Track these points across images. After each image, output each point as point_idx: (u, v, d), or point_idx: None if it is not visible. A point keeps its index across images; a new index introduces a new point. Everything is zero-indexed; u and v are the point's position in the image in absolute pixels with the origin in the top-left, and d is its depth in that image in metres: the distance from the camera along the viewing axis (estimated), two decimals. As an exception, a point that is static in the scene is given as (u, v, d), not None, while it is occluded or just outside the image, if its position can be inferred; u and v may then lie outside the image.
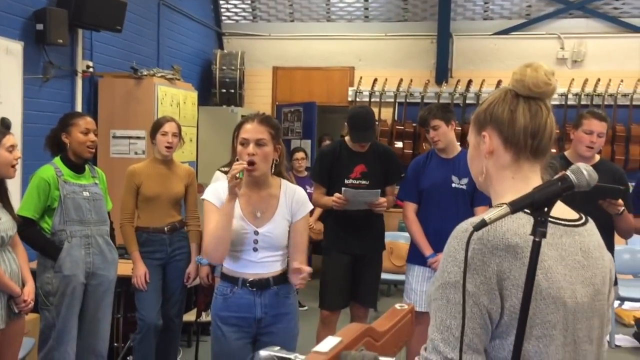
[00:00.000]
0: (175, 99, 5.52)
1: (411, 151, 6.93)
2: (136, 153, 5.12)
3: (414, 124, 6.90)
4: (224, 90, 7.11)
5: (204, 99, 6.98)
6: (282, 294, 2.52)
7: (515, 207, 1.18)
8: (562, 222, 1.30)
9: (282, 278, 2.52)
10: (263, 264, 2.45)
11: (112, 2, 4.85)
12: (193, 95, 5.93)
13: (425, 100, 6.98)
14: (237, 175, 2.26)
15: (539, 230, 1.16)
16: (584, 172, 1.18)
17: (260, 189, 2.49)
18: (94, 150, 3.37)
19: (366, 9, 7.52)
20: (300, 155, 6.10)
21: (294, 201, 2.51)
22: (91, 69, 5.03)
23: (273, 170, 2.53)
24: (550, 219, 1.23)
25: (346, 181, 3.69)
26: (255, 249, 2.46)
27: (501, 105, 1.31)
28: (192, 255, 3.72)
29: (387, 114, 7.25)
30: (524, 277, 1.17)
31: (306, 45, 7.67)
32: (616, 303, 5.45)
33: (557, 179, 1.18)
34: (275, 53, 7.76)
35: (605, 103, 6.69)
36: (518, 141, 1.30)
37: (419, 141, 6.96)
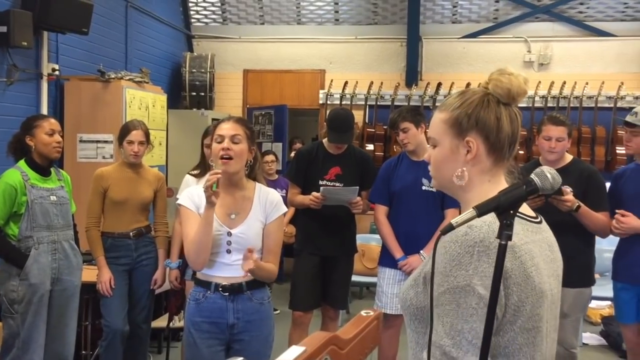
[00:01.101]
0: (144, 102, 5.45)
1: (382, 154, 6.97)
2: (104, 157, 5.04)
3: (385, 127, 6.94)
4: (194, 94, 7.05)
5: (174, 102, 6.91)
6: (256, 300, 2.49)
7: (482, 210, 1.19)
8: (531, 220, 1.34)
9: (257, 283, 2.49)
10: (236, 267, 2.42)
11: (78, 4, 4.77)
12: (162, 98, 5.86)
13: (396, 103, 7.03)
14: (212, 188, 2.27)
15: (504, 234, 1.17)
16: (547, 175, 1.20)
17: (234, 191, 2.49)
18: (60, 151, 3.32)
19: (336, 12, 7.55)
20: (270, 158, 6.07)
21: (268, 202, 2.51)
22: (57, 72, 4.94)
23: (247, 173, 2.53)
24: (526, 217, 1.31)
25: (320, 182, 3.69)
26: (228, 251, 2.44)
27: (486, 111, 1.31)
28: (160, 260, 3.68)
29: (358, 116, 7.23)
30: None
31: (277, 48, 7.66)
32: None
33: (522, 182, 1.19)
34: (245, 56, 7.73)
35: (571, 105, 6.83)
36: (502, 148, 1.33)
37: (390, 144, 7.00)
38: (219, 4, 7.71)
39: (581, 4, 7.02)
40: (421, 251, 3.50)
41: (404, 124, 3.57)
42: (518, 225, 1.24)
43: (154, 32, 6.88)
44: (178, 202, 2.51)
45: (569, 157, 3.35)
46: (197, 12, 7.81)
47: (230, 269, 2.44)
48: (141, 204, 3.61)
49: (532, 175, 1.20)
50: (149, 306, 3.74)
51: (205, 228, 2.34)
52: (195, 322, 2.46)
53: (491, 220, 1.21)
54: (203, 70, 7.05)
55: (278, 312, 5.77)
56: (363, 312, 1.24)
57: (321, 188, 3.62)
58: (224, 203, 2.43)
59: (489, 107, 1.31)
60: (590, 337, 5.17)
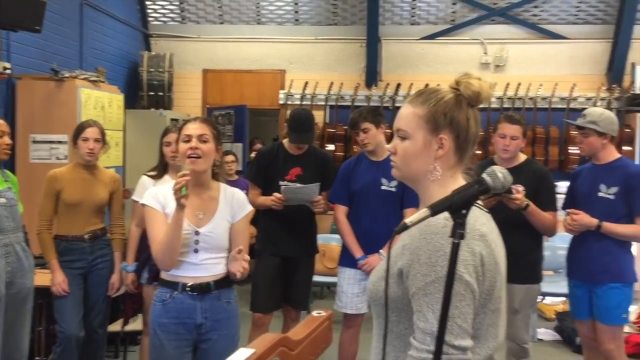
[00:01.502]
0: (100, 101, 5.34)
1: (343, 154, 7.00)
2: (58, 158, 4.91)
3: (345, 127, 6.96)
4: (152, 93, 6.94)
5: (131, 102, 6.79)
6: (223, 298, 2.50)
7: (435, 210, 1.22)
8: (485, 210, 1.42)
9: (224, 282, 2.50)
10: (204, 267, 2.44)
11: (31, 1, 4.63)
12: (119, 98, 5.75)
13: (356, 104, 7.07)
14: (182, 192, 2.28)
15: (457, 232, 1.19)
16: (498, 174, 1.22)
17: (201, 191, 2.49)
18: (10, 152, 3.22)
19: (296, 12, 7.54)
20: (230, 158, 6.02)
21: (234, 201, 2.54)
22: (8, 71, 4.78)
23: (213, 173, 2.55)
24: (483, 209, 1.39)
25: (280, 182, 3.68)
26: (196, 250, 2.44)
27: (459, 112, 1.39)
28: (116, 263, 3.60)
29: (318, 117, 7.25)
30: (493, 262, 1.32)
31: (237, 47, 7.61)
32: (539, 298, 5.68)
33: (474, 181, 1.22)
34: (205, 55, 7.65)
35: (526, 106, 6.98)
36: (467, 147, 1.41)
37: (350, 144, 7.03)
38: (178, 3, 7.62)
39: (535, 7, 7.18)
40: (381, 250, 3.53)
41: (365, 124, 3.59)
42: (483, 216, 1.36)
43: (110, 31, 6.75)
44: (141, 202, 2.50)
45: (522, 157, 3.43)
46: (155, 10, 7.69)
47: (198, 269, 2.44)
48: (96, 206, 3.53)
49: (484, 175, 1.22)
50: (105, 310, 3.66)
51: (175, 231, 2.34)
52: (162, 323, 2.44)
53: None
54: (161, 70, 6.95)
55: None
56: (315, 313, 1.24)
57: (282, 187, 3.61)
58: (192, 203, 2.42)
59: (461, 107, 1.39)
60: (545, 333, 5.29)
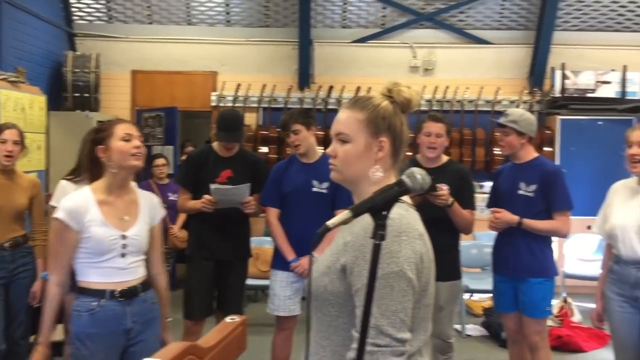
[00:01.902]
0: (20, 103, 5.11)
1: (276, 156, 6.98)
2: (-25, 162, 4.66)
3: (278, 129, 6.95)
4: (78, 94, 6.71)
5: (55, 104, 6.54)
6: (149, 300, 2.50)
7: (357, 212, 1.24)
8: (411, 204, 1.48)
9: (147, 283, 2.51)
10: (131, 270, 2.43)
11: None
12: (41, 99, 5.53)
13: (289, 106, 7.07)
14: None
15: (378, 234, 1.21)
16: (417, 176, 1.26)
17: (124, 194, 2.48)
18: None
19: (227, 13, 7.47)
20: (161, 161, 5.91)
21: (152, 205, 2.58)
22: None
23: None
24: (409, 204, 1.46)
25: (211, 185, 3.62)
26: (123, 255, 2.41)
27: (395, 117, 1.49)
28: (38, 271, 3.46)
29: (251, 119, 7.25)
30: (429, 259, 1.41)
31: (167, 48, 7.46)
32: (466, 295, 5.86)
33: (394, 183, 1.25)
34: (133, 56, 7.46)
35: (454, 109, 7.19)
36: (401, 150, 1.51)
37: (284, 146, 7.02)
38: (104, 2, 7.39)
39: (461, 12, 7.41)
40: (313, 252, 3.53)
41: (295, 125, 3.60)
42: (416, 214, 1.45)
43: (31, 29, 6.46)
44: (55, 215, 2.39)
45: (445, 158, 3.54)
46: (80, 9, 7.44)
47: (125, 273, 2.42)
48: (15, 212, 3.38)
49: (403, 176, 1.25)
50: (27, 321, 3.51)
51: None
52: (90, 334, 2.37)
53: (402, 213, 1.39)
54: (87, 70, 6.73)
55: (170, 319, 5.62)
56: (228, 319, 1.23)
57: (212, 187, 3.56)
58: (116, 207, 2.43)
59: (397, 114, 1.49)
60: (473, 329, 5.45)
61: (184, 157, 6.25)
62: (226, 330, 1.15)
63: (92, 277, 2.40)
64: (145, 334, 2.47)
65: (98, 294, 2.38)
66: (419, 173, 1.26)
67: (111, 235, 2.37)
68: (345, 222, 1.23)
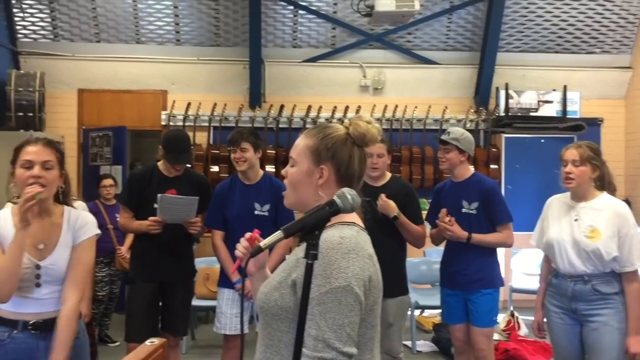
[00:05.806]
0: (-41, 123, 4.95)
1: (227, 175, 6.94)
2: None
3: (229, 148, 6.92)
4: (21, 114, 6.55)
5: (-3, 123, 6.36)
6: None
7: (289, 232, 1.25)
8: (363, 228, 1.53)
9: None
10: (48, 301, 2.24)
11: None
12: (-18, 119, 5.36)
13: (240, 124, 7.06)
14: (35, 197, 2.10)
15: (310, 254, 1.23)
16: (347, 196, 1.29)
17: (41, 218, 2.29)
18: None
19: (177, 32, 7.44)
20: (108, 182, 5.79)
21: (79, 225, 2.34)
22: None
23: (61, 199, 2.39)
24: (364, 230, 1.52)
25: (159, 195, 3.53)
26: (38, 285, 2.25)
27: (342, 148, 1.55)
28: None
29: (202, 138, 7.20)
30: (377, 280, 1.47)
31: (115, 67, 7.36)
32: (417, 311, 5.93)
33: (325, 203, 1.27)
34: (80, 75, 7.33)
35: (403, 127, 7.32)
36: (351, 180, 1.55)
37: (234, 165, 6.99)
38: (50, 20, 7.26)
39: (409, 33, 7.58)
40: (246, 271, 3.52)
41: (245, 144, 3.62)
42: (367, 237, 1.50)
43: (-28, 47, 6.30)
44: None
45: (388, 175, 3.62)
46: (25, 27, 7.28)
47: (40, 304, 2.25)
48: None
49: (334, 197, 1.27)
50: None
51: (15, 253, 2.13)
52: None
53: (353, 234, 1.45)
54: (31, 89, 6.58)
55: (117, 343, 5.49)
56: (147, 342, 1.22)
57: (158, 196, 3.49)
58: (30, 233, 2.20)
59: (345, 145, 1.55)
60: (424, 345, 5.51)
61: (132, 177, 6.14)
62: (144, 354, 1.14)
63: (4, 305, 2.23)
64: None
65: (10, 324, 2.23)
66: (349, 193, 1.29)
67: (25, 264, 2.20)
68: (277, 242, 1.24)
